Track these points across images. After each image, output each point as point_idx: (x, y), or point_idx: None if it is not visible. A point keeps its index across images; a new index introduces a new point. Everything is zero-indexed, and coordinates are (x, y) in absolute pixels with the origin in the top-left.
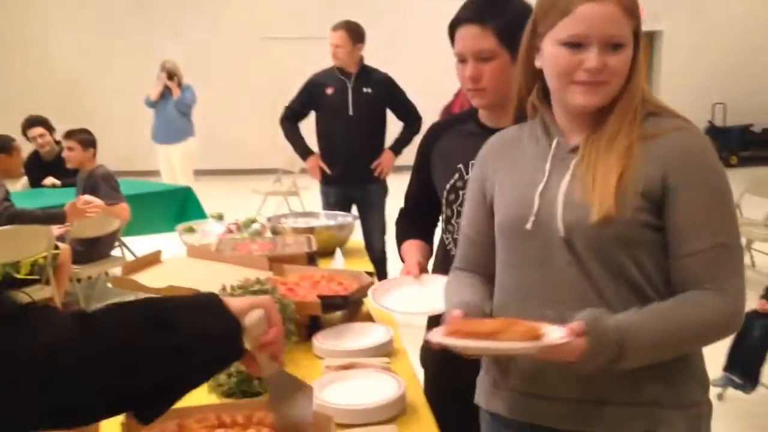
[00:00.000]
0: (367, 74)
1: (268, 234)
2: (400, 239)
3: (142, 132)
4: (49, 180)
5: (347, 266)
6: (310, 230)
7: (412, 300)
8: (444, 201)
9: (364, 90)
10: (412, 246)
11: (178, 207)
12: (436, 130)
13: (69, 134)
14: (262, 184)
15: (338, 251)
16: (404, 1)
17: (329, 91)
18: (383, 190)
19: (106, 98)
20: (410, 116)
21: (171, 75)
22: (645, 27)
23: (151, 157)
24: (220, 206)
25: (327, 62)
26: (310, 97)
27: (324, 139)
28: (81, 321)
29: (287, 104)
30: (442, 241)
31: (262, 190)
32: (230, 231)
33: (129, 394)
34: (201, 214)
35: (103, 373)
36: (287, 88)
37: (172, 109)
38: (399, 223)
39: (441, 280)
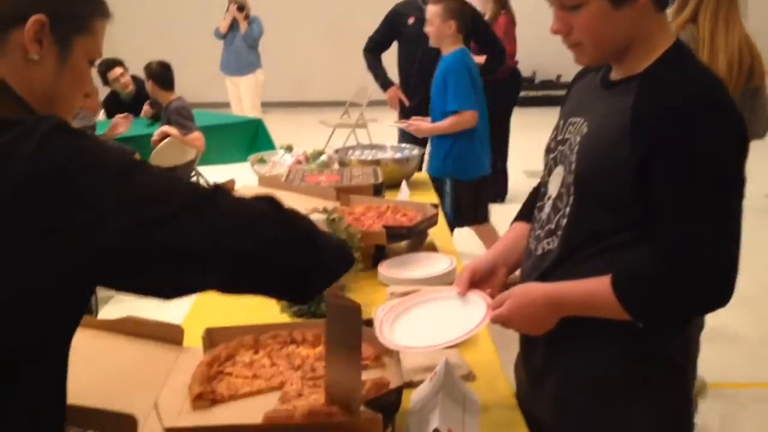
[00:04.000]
0: None
1: (336, 165)
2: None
3: (214, 64)
4: (145, 109)
5: (413, 198)
6: (377, 162)
7: (434, 324)
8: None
9: None
10: (506, 237)
11: (249, 138)
12: (579, 73)
13: (145, 68)
14: (330, 116)
15: (404, 183)
16: None
17: (410, 20)
18: None
19: (177, 31)
20: (493, 47)
21: (240, 7)
22: None
23: (221, 89)
24: (289, 138)
25: None
26: (392, 27)
27: (404, 70)
28: (267, 201)
29: (370, 35)
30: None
31: (330, 122)
32: (299, 162)
33: (297, 268)
34: (271, 146)
35: (288, 246)
36: (355, 20)
37: (240, 42)
38: (532, 193)
39: (480, 304)
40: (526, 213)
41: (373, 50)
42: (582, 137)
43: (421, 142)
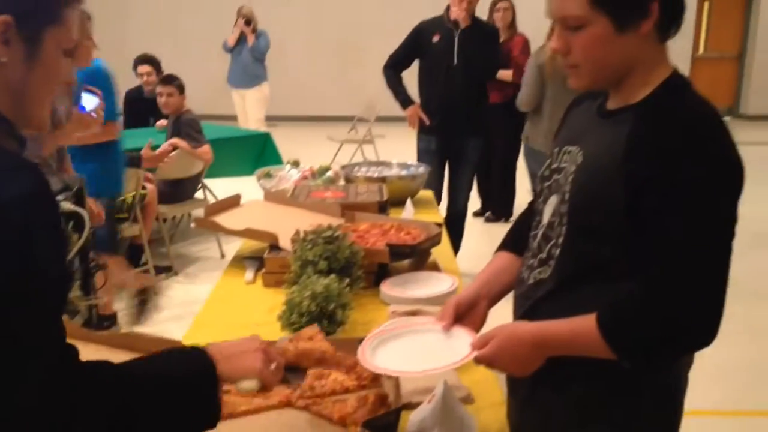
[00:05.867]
0: (475, 23)
1: (342, 182)
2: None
3: (221, 76)
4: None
5: (417, 216)
6: (383, 180)
7: (416, 353)
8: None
9: (472, 40)
10: (489, 267)
11: (257, 152)
12: (577, 98)
13: (167, 81)
14: (338, 131)
15: (409, 201)
16: None
17: (435, 38)
18: (481, 146)
19: (186, 43)
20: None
21: (248, 21)
22: None
23: (228, 102)
24: (297, 153)
25: (404, 7)
26: (416, 44)
27: (426, 88)
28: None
29: (392, 52)
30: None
31: (337, 137)
32: (305, 177)
33: None
34: (278, 160)
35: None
36: (363, 36)
37: (247, 55)
38: (518, 221)
39: (464, 339)
40: (509, 242)
41: (395, 67)
42: (577, 166)
43: (438, 160)
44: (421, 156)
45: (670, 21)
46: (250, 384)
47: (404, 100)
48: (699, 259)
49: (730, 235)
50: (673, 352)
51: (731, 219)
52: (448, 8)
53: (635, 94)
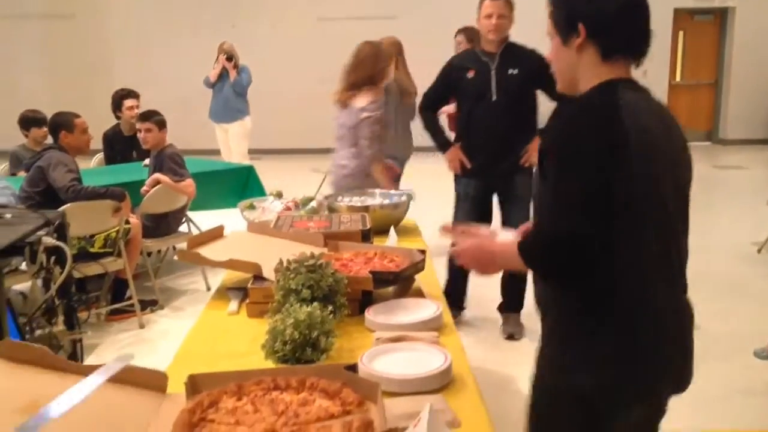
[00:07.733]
0: (512, 52)
1: (325, 212)
2: None
3: (203, 112)
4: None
5: (401, 245)
6: (365, 209)
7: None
8: None
9: (510, 71)
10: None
11: (240, 185)
12: None
13: (145, 117)
14: (322, 163)
15: (392, 230)
16: None
17: (470, 74)
18: (529, 180)
19: (168, 79)
20: (564, 96)
21: (229, 57)
22: (715, 3)
23: (211, 137)
24: (281, 185)
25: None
26: (449, 81)
27: (465, 128)
28: None
29: (425, 91)
30: None
31: (322, 169)
32: (289, 208)
33: None
34: (262, 192)
35: None
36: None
37: (229, 90)
38: None
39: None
40: None
41: (430, 108)
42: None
43: (473, 205)
44: (460, 201)
45: (606, 40)
46: None
47: (443, 144)
48: (556, 202)
49: (586, 179)
50: (550, 269)
51: (587, 166)
52: (476, 41)
53: None
